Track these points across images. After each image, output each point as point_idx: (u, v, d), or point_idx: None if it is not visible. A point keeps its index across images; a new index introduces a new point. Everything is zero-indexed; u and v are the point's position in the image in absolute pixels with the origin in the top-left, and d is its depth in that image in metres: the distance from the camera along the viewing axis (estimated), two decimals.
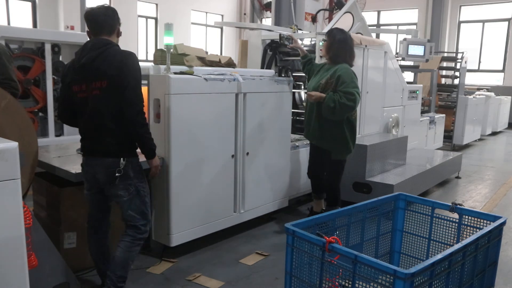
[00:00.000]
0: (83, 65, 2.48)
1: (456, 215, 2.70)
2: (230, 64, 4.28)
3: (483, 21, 14.40)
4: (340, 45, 3.79)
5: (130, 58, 2.52)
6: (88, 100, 2.52)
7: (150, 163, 2.73)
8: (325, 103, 3.62)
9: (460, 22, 14.84)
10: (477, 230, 2.55)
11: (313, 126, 3.88)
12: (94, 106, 2.51)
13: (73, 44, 4.31)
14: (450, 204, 2.70)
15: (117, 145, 2.55)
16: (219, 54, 13.71)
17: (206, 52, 4.44)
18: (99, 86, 2.47)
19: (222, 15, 16.39)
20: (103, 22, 2.55)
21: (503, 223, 2.43)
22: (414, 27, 14.04)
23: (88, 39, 2.60)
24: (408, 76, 8.34)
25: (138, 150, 2.68)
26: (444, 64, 10.10)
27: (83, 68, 2.49)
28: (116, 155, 2.54)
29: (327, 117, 3.70)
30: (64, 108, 2.71)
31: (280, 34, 4.13)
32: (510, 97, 12.26)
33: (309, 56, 4.17)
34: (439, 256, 1.94)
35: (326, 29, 5.94)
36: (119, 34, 2.66)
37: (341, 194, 4.87)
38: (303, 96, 5.66)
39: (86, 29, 2.61)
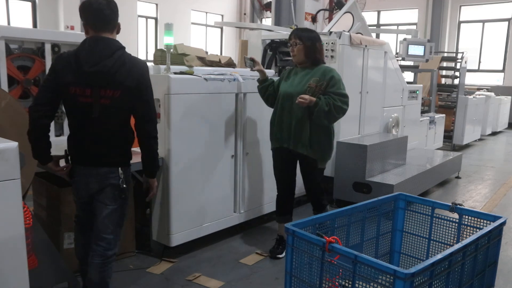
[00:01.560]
0: (96, 72, 2.24)
1: (456, 215, 2.70)
2: (230, 64, 4.28)
3: (483, 21, 14.40)
4: (318, 44, 3.42)
5: (146, 70, 2.39)
6: (92, 106, 2.29)
7: (152, 183, 2.61)
8: (320, 107, 3.20)
9: (460, 22, 14.84)
10: (477, 230, 2.55)
11: (299, 133, 3.37)
12: (101, 115, 2.30)
13: (73, 44, 4.30)
14: (450, 204, 2.70)
15: (117, 156, 2.41)
16: (219, 54, 13.71)
17: (206, 52, 4.44)
18: (111, 95, 2.27)
19: (222, 15, 16.39)
20: (107, 17, 2.30)
21: (503, 223, 2.43)
22: (414, 27, 14.03)
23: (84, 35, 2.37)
24: (408, 76, 8.35)
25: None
26: (444, 64, 10.10)
27: (95, 74, 2.25)
28: (113, 165, 2.40)
29: (319, 123, 3.30)
30: (45, 104, 2.31)
31: (244, 57, 3.62)
32: (510, 97, 12.26)
33: (271, 79, 3.62)
34: (439, 256, 1.94)
35: (326, 29, 5.95)
36: (119, 30, 2.43)
37: (341, 194, 4.91)
38: None
39: (83, 22, 2.32)
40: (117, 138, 2.39)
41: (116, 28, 2.39)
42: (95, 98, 2.27)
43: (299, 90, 3.33)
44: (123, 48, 2.34)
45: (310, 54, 3.39)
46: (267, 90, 3.57)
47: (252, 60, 3.55)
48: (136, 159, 3.32)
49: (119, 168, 2.40)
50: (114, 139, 2.39)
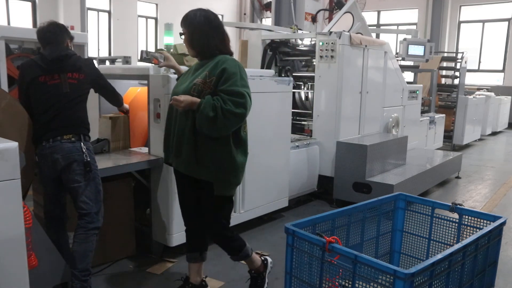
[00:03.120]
0: (62, 58, 2.69)
1: (456, 215, 2.70)
2: None
3: (483, 21, 14.41)
4: (204, 29, 2.60)
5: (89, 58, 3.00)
6: (59, 86, 2.68)
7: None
8: (200, 112, 2.41)
9: (460, 22, 14.85)
10: (477, 230, 2.55)
11: (180, 146, 2.59)
12: (67, 92, 2.69)
13: (72, 44, 4.30)
14: (450, 204, 2.70)
15: (77, 128, 2.69)
16: None
17: None
18: (77, 77, 2.73)
19: (222, 15, 16.38)
20: (48, 38, 2.74)
21: (503, 223, 2.43)
22: (414, 27, 14.04)
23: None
24: (408, 76, 8.35)
25: None
26: (444, 64, 10.10)
27: (60, 60, 2.68)
28: (76, 139, 2.66)
29: (205, 132, 2.48)
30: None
31: (141, 52, 2.93)
32: (510, 97, 12.26)
33: None
34: (439, 256, 1.94)
35: (326, 29, 5.95)
36: (69, 46, 2.87)
37: (341, 194, 4.90)
38: (303, 96, 5.67)
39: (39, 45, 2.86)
40: (76, 112, 2.73)
41: (64, 45, 2.82)
42: (63, 79, 2.69)
43: (185, 89, 2.57)
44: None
45: (194, 43, 2.62)
46: None
47: (162, 54, 2.94)
48: (136, 159, 3.33)
49: (81, 143, 2.67)
50: (74, 113, 2.71)
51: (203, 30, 2.59)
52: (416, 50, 7.01)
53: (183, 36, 2.65)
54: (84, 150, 2.66)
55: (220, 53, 2.62)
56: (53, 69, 2.68)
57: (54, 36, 2.76)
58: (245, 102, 2.44)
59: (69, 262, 2.66)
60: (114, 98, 3.17)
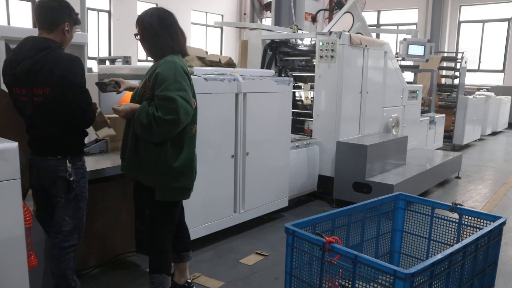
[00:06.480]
0: (18, 74, 2.33)
1: (456, 215, 2.70)
2: (230, 64, 4.28)
3: (483, 21, 14.42)
4: (155, 28, 2.51)
5: (71, 66, 2.36)
6: (26, 106, 2.38)
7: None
8: (135, 119, 2.42)
9: (460, 22, 14.85)
10: (477, 230, 2.55)
11: (124, 151, 2.62)
12: (37, 113, 2.37)
13: (72, 44, 4.30)
14: (450, 204, 2.70)
15: (61, 147, 2.43)
16: (219, 54, 13.71)
17: (206, 52, 4.45)
18: (42, 93, 2.32)
19: (222, 15, 16.39)
20: (41, 17, 2.37)
21: (503, 223, 2.43)
22: (414, 27, 14.04)
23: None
24: (408, 76, 8.35)
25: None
26: (444, 64, 10.10)
27: (18, 76, 2.34)
28: (61, 157, 2.43)
29: (145, 138, 2.47)
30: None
31: (96, 83, 2.82)
32: (510, 97, 12.27)
33: None
34: (439, 256, 1.94)
35: (326, 29, 5.96)
36: (66, 32, 2.43)
37: (341, 194, 4.91)
38: (303, 96, 5.67)
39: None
40: (58, 130, 2.41)
41: (59, 28, 2.40)
42: (29, 96, 2.35)
43: (133, 93, 2.63)
44: (51, 47, 2.35)
45: (145, 43, 2.56)
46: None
47: (115, 82, 2.77)
48: None
49: (67, 160, 2.43)
50: (53, 133, 2.41)
51: (153, 28, 2.50)
52: (416, 50, 7.01)
53: (138, 37, 2.57)
54: (69, 169, 2.43)
55: (173, 53, 2.51)
56: (21, 82, 2.36)
57: (49, 14, 2.36)
58: (177, 107, 2.32)
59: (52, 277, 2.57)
60: (85, 117, 2.48)
